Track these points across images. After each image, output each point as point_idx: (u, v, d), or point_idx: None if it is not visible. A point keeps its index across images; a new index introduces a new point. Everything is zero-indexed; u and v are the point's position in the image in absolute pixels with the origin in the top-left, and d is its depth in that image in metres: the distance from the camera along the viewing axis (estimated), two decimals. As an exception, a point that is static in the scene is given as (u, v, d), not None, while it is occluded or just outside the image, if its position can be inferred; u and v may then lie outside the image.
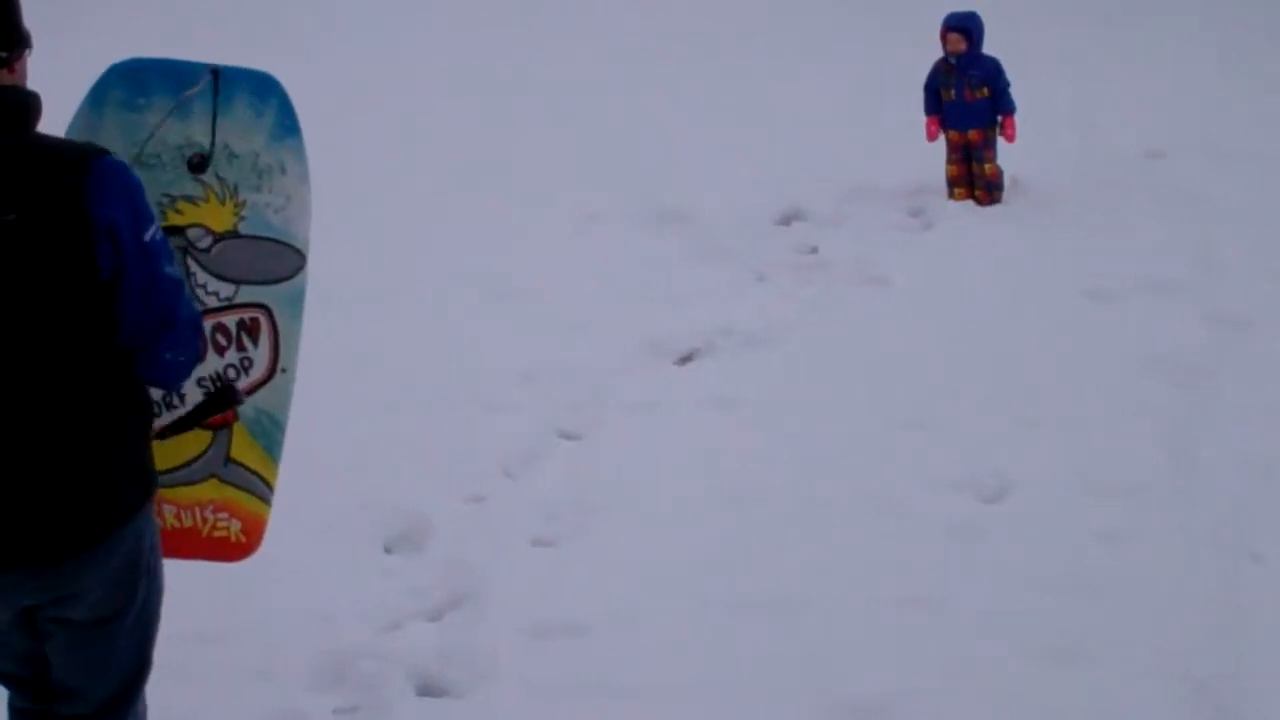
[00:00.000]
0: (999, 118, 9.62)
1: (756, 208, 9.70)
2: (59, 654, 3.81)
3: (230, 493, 4.24)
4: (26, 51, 3.68)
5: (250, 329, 4.15)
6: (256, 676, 5.18)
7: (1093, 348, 7.58)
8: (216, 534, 4.24)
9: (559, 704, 5.02)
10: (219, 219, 4.08)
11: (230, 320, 4.14)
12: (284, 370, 4.22)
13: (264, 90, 4.21)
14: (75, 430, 3.58)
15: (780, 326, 8.07)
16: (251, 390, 4.17)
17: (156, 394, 3.94)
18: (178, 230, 4.01)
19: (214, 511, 4.18)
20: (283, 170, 4.22)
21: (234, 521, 4.27)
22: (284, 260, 4.17)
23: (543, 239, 9.40)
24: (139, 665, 3.95)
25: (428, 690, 5.18)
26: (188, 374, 3.82)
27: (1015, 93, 9.62)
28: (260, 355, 4.17)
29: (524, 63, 13.55)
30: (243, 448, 4.23)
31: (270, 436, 4.25)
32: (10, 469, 3.53)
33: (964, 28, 9.68)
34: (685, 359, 7.88)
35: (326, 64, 13.97)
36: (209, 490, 4.20)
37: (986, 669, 5.10)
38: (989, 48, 9.70)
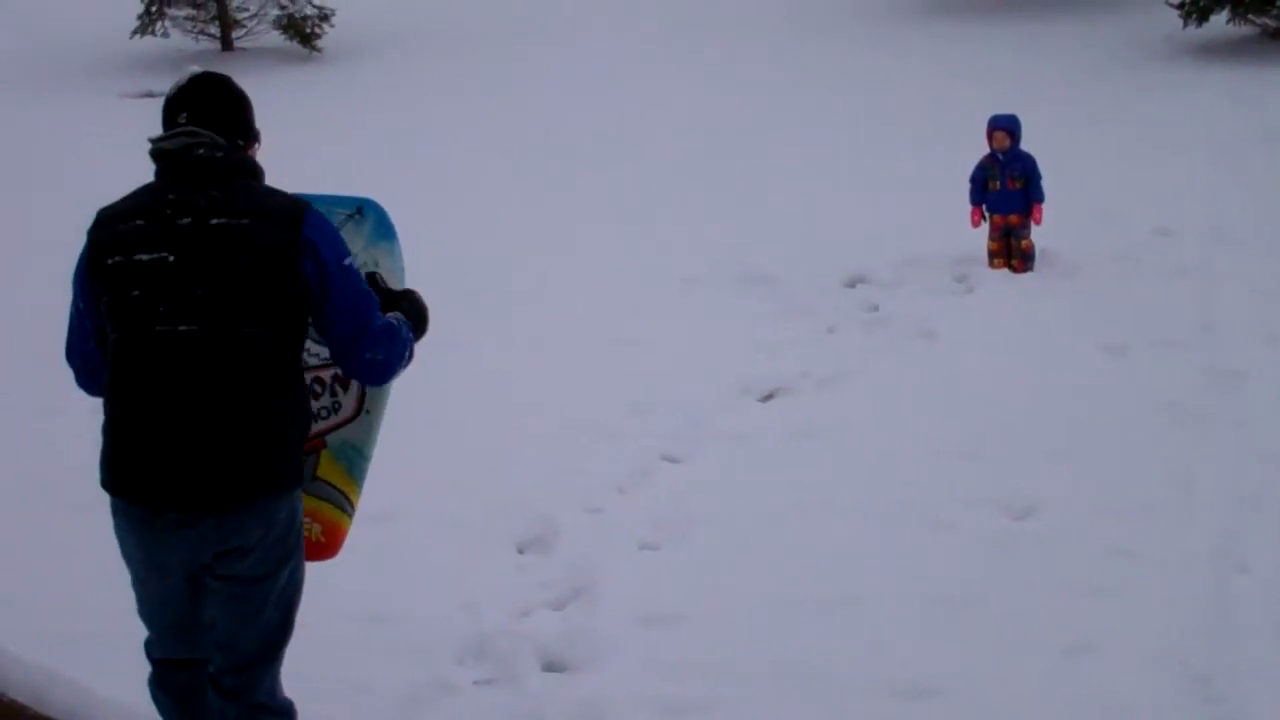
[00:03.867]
0: (1031, 204, 9.58)
1: (828, 273, 9.70)
2: (219, 608, 3.91)
3: (314, 503, 4.29)
4: (255, 145, 4.07)
5: (342, 382, 4.32)
6: (416, 651, 5.25)
7: (1109, 393, 7.52)
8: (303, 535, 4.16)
9: (658, 680, 5.05)
10: None
11: (327, 374, 4.31)
12: (367, 412, 4.36)
13: (365, 208, 4.42)
14: (263, 401, 3.77)
15: (848, 371, 8.05)
16: (338, 426, 4.34)
17: (312, 406, 4.15)
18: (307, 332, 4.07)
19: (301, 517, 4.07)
20: (376, 265, 4.35)
21: (315, 525, 4.32)
22: None
23: (656, 298, 9.45)
24: (283, 625, 4.02)
25: (551, 666, 5.23)
26: (391, 371, 4.02)
27: (1047, 182, 9.58)
28: (348, 401, 4.33)
29: (622, 159, 13.64)
30: (328, 469, 4.36)
31: (353, 461, 4.37)
32: (210, 424, 3.72)
33: (1009, 128, 9.67)
34: (768, 397, 7.87)
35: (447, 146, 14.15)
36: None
37: (1016, 660, 5.09)
38: (1028, 147, 9.69)
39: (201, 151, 3.84)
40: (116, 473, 3.83)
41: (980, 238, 9.72)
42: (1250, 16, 16.78)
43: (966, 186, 9.78)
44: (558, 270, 10.16)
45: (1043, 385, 7.65)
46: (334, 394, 4.33)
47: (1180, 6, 16.80)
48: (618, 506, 6.56)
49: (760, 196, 11.81)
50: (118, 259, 3.78)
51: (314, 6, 20.02)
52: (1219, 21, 16.83)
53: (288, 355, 3.85)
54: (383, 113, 16.47)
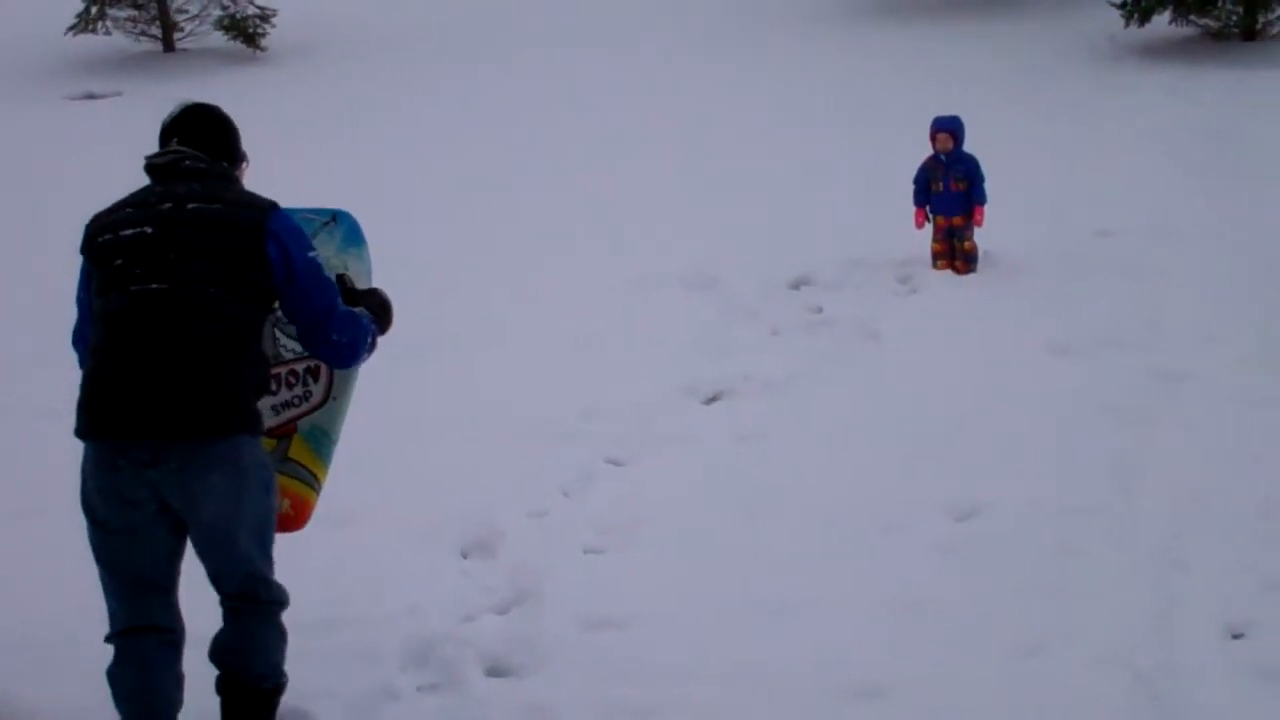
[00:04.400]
0: (973, 206, 9.61)
1: (772, 275, 9.70)
2: (199, 546, 4.36)
3: (285, 481, 4.76)
4: (244, 165, 4.72)
5: (313, 373, 4.87)
6: (358, 658, 5.22)
7: (1054, 393, 7.55)
8: None
9: (604, 684, 5.03)
10: None
11: (300, 367, 4.86)
12: (334, 399, 4.91)
13: (339, 217, 5.03)
14: (222, 352, 4.23)
15: (792, 374, 8.06)
16: (308, 413, 4.89)
17: (285, 396, 4.84)
18: (271, 310, 4.55)
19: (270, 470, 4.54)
20: (345, 268, 4.89)
21: (285, 500, 4.74)
22: None
23: (601, 300, 9.45)
24: (263, 546, 4.45)
25: (495, 671, 5.21)
26: (355, 354, 4.56)
27: (991, 182, 9.61)
28: (318, 390, 4.88)
29: (576, 159, 13.61)
30: (298, 451, 4.88)
31: (320, 444, 4.91)
32: (174, 366, 4.16)
33: (952, 130, 9.70)
34: (712, 399, 7.87)
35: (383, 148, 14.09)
36: None
37: (964, 660, 5.11)
38: (972, 147, 9.73)
39: (187, 163, 4.45)
40: (89, 415, 4.23)
41: (924, 239, 9.75)
42: (1192, 17, 16.91)
43: (910, 188, 9.80)
44: (504, 272, 10.13)
45: (987, 386, 7.68)
46: (305, 384, 4.86)
47: (1122, 6, 16.91)
48: (562, 510, 6.54)
49: (703, 198, 11.80)
50: (106, 238, 4.34)
51: (255, 6, 19.87)
52: (1161, 22, 16.95)
53: (249, 321, 4.33)
54: (332, 111, 16.33)
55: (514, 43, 19.38)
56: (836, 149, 13.11)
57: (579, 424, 7.44)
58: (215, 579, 4.43)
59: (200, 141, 4.52)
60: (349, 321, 4.49)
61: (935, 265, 9.70)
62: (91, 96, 17.61)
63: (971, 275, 9.59)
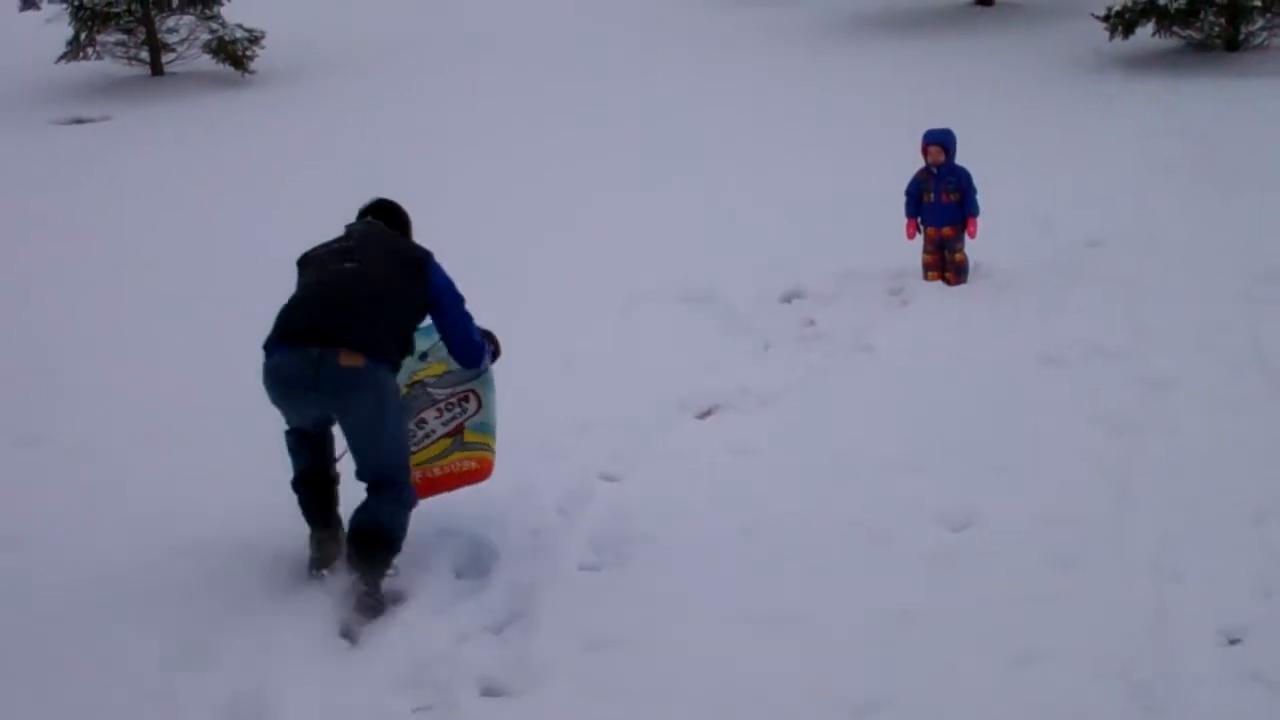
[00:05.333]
0: (965, 217, 9.60)
1: (766, 289, 9.70)
2: (351, 440, 5.82)
3: (467, 453, 6.37)
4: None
5: (464, 399, 6.42)
6: (353, 679, 5.19)
7: (1045, 402, 7.54)
8: (462, 469, 6.34)
9: (599, 703, 5.01)
10: (435, 371, 6.44)
11: (453, 399, 6.42)
12: (484, 406, 6.45)
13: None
14: (383, 310, 5.80)
15: (786, 387, 8.05)
16: (469, 418, 6.41)
17: (448, 416, 6.42)
18: (420, 382, 6.42)
19: (460, 461, 6.34)
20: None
21: (470, 462, 6.35)
22: (468, 372, 6.45)
23: (596, 315, 9.45)
24: (400, 450, 5.95)
25: (490, 692, 5.18)
26: (482, 353, 6.36)
27: (979, 195, 9.60)
28: (471, 406, 6.42)
29: (567, 174, 13.62)
30: (470, 436, 6.40)
31: (483, 429, 6.43)
32: (349, 306, 5.72)
33: (942, 142, 9.69)
34: (707, 414, 7.85)
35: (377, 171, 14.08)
36: (456, 455, 6.35)
37: (959, 672, 5.09)
38: (959, 159, 9.72)
39: (376, 226, 6.25)
40: (283, 329, 5.76)
41: (915, 251, 9.74)
42: (1175, 29, 16.95)
43: (901, 200, 9.80)
44: (496, 288, 10.07)
45: (979, 397, 7.67)
46: (461, 406, 6.41)
47: (1105, 19, 16.95)
48: (556, 528, 6.49)
49: (695, 211, 11.81)
50: (316, 249, 6.07)
51: (243, 30, 19.86)
52: (1145, 34, 17.00)
53: (405, 309, 5.94)
54: (320, 132, 16.33)
55: (505, 60, 19.43)
56: (827, 161, 13.13)
57: (574, 440, 7.41)
58: (361, 463, 5.82)
59: (384, 220, 6.31)
60: (478, 331, 6.31)
61: (926, 276, 9.69)
62: (79, 121, 17.59)
63: (962, 286, 9.58)
